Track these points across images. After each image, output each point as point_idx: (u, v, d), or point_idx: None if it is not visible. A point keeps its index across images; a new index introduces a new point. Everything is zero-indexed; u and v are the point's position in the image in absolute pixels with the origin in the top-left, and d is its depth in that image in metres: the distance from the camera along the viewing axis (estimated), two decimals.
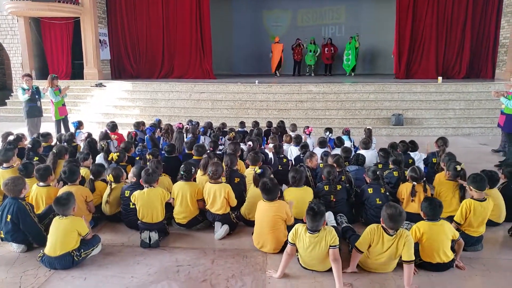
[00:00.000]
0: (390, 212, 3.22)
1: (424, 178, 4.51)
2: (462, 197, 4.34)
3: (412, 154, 6.02)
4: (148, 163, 4.85)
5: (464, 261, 3.64)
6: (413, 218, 4.05)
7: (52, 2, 12.42)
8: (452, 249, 3.52)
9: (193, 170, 4.39)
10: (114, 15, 14.55)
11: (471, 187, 3.92)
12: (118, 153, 5.29)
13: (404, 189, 4.50)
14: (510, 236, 4.28)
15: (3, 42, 14.12)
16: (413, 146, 6.12)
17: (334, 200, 4.47)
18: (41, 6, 12.40)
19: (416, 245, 3.48)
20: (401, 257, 3.29)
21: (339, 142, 6.48)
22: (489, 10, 13.40)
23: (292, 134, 6.95)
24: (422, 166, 5.72)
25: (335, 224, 4.19)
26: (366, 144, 6.17)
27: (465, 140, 9.40)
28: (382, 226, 3.34)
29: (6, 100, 13.08)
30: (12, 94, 13.54)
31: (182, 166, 4.40)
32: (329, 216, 4.29)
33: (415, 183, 4.39)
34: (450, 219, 3.97)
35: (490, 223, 4.32)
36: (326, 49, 16.50)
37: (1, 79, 16.74)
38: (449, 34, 13.83)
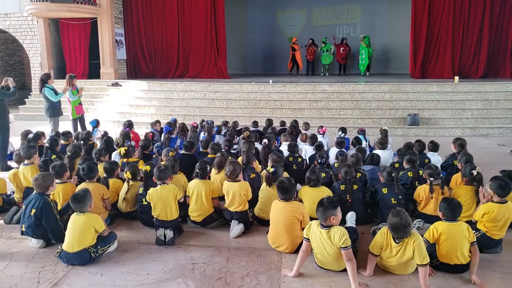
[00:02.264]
0: (394, 222, 3.15)
1: (442, 177, 4.44)
2: (478, 202, 4.21)
3: (430, 154, 5.93)
4: (164, 161, 4.92)
5: (483, 264, 3.56)
6: (431, 220, 4.00)
7: (71, 3, 12.63)
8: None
9: (208, 168, 4.41)
10: (130, 16, 14.74)
11: (495, 192, 3.80)
12: (126, 147, 5.35)
13: (422, 190, 4.44)
14: None
15: (23, 43, 14.42)
16: (433, 146, 6.00)
17: (350, 200, 4.44)
18: (60, 7, 12.62)
19: (433, 246, 3.44)
20: None
21: (356, 141, 6.43)
22: (508, 7, 13.12)
23: (307, 133, 6.93)
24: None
25: (353, 225, 4.15)
26: (383, 144, 6.11)
27: (483, 140, 9.23)
28: None
29: (25, 99, 13.33)
30: (31, 93, 13.79)
31: (197, 164, 4.42)
32: (351, 216, 4.27)
33: (432, 179, 4.32)
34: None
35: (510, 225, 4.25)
36: (341, 48, 16.38)
37: (20, 79, 17.10)
38: (466, 32, 13.56)
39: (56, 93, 7.91)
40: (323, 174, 5.04)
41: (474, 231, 3.56)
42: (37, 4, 12.57)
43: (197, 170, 4.36)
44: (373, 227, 4.25)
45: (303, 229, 3.71)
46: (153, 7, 14.73)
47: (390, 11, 17.45)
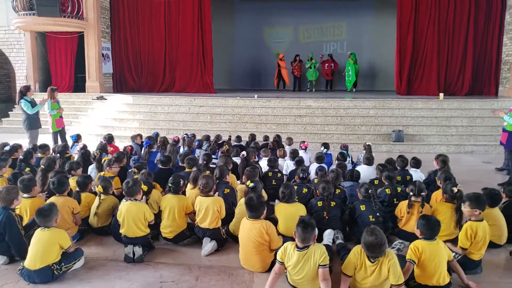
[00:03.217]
0: (369, 241, 3.03)
1: (423, 194, 4.36)
2: (458, 220, 4.13)
3: (412, 170, 5.87)
4: (139, 175, 4.79)
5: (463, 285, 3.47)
6: (411, 237, 3.90)
7: (58, 17, 12.56)
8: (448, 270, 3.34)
9: (181, 183, 4.29)
10: (117, 30, 14.71)
11: (472, 207, 3.73)
12: (107, 157, 5.23)
13: (404, 206, 4.35)
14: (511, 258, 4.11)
15: (9, 56, 14.30)
16: (416, 162, 5.94)
17: (327, 217, 4.34)
18: (47, 21, 12.54)
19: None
20: None
21: (342, 157, 6.36)
22: (491, 27, 13.32)
23: (288, 148, 6.86)
24: None
25: (330, 243, 4.04)
26: (369, 160, 6.06)
27: (468, 158, 9.23)
28: None
29: (9, 112, 13.15)
30: (15, 106, 13.61)
31: (170, 178, 4.30)
32: (329, 234, 4.17)
33: (412, 195, 4.25)
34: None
35: (491, 245, 4.11)
36: (326, 65, 16.56)
37: (6, 91, 16.90)
38: (450, 50, 13.70)
39: (33, 105, 7.78)
40: (305, 190, 4.97)
41: (453, 253, 3.48)
42: (24, 17, 12.50)
43: (170, 185, 4.24)
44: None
45: (274, 250, 3.58)
46: (140, 22, 14.75)
47: (376, 28, 17.69)
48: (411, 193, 4.29)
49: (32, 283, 3.46)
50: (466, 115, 10.81)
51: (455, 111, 11.00)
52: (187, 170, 5.30)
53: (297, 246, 3.18)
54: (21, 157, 5.81)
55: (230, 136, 8.16)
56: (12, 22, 12.88)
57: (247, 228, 3.64)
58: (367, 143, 7.10)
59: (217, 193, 4.47)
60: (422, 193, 4.30)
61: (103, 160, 5.38)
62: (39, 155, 6.36)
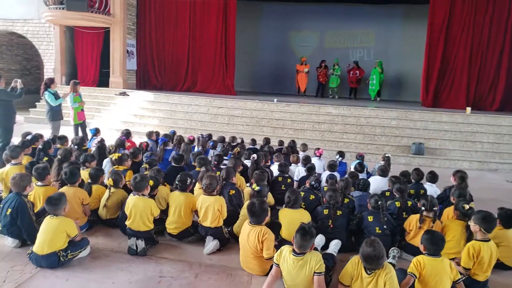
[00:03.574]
0: (367, 252, 2.97)
1: (436, 209, 4.26)
2: (468, 239, 3.99)
3: (427, 185, 5.72)
4: (148, 171, 4.87)
5: None
6: (417, 252, 3.79)
7: (86, 13, 12.92)
8: None
9: (188, 181, 4.32)
10: (143, 28, 14.97)
11: (479, 227, 3.64)
12: (119, 154, 5.33)
13: (414, 220, 4.26)
14: None
15: (39, 48, 14.75)
16: (432, 177, 5.77)
17: (332, 226, 4.29)
18: (75, 16, 12.89)
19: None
20: None
21: (360, 167, 6.28)
22: None
23: (302, 155, 6.82)
24: None
25: (335, 253, 4.01)
26: (384, 171, 5.94)
27: (491, 175, 8.93)
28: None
29: (36, 103, 13.56)
30: (41, 98, 14.01)
31: (178, 176, 4.35)
32: (336, 244, 4.14)
33: (423, 209, 4.15)
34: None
35: (502, 266, 4.04)
36: (351, 72, 16.33)
37: (36, 83, 17.47)
38: (484, 62, 13.00)
39: (56, 97, 8.01)
40: (312, 196, 4.94)
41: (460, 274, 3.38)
42: (54, 11, 12.90)
43: (177, 182, 4.29)
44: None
45: (267, 259, 3.57)
46: (166, 20, 14.95)
47: (404, 37, 17.29)
48: (422, 208, 4.19)
49: (39, 266, 3.59)
50: (494, 131, 10.40)
51: (482, 126, 10.59)
52: (197, 169, 5.34)
53: (293, 251, 3.17)
54: (40, 146, 5.98)
55: (242, 139, 8.16)
56: (43, 15, 13.30)
57: (247, 233, 3.65)
58: (387, 155, 6.95)
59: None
60: (434, 208, 4.20)
61: (112, 156, 5.46)
62: (58, 145, 6.55)
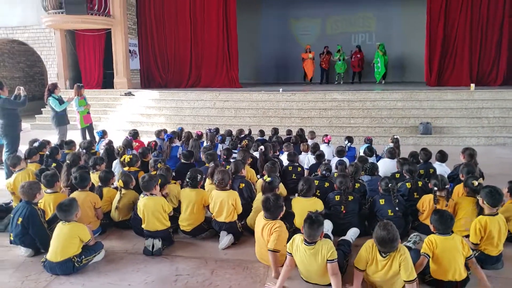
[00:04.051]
0: (381, 236, 2.96)
1: (448, 187, 4.24)
2: (479, 214, 3.92)
3: (437, 164, 5.67)
4: (158, 171, 4.87)
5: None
6: (430, 231, 3.79)
7: (86, 15, 12.90)
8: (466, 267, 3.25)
9: (199, 177, 4.31)
10: (144, 26, 14.94)
11: (485, 201, 3.63)
12: (130, 155, 5.33)
13: (427, 200, 4.26)
14: None
15: (41, 54, 14.78)
16: (441, 156, 5.70)
17: (344, 211, 4.28)
18: (75, 19, 12.90)
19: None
20: None
21: (369, 152, 6.24)
22: None
23: (310, 142, 6.79)
24: None
25: (351, 240, 3.99)
26: (392, 153, 5.93)
27: (500, 150, 8.87)
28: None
29: (42, 109, 13.63)
30: (46, 104, 14.09)
31: (188, 172, 4.35)
32: (354, 232, 4.14)
33: (436, 189, 4.14)
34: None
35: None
36: (353, 56, 16.24)
37: (40, 89, 17.56)
38: (484, 39, 13.07)
39: (61, 102, 8.03)
40: (327, 184, 4.92)
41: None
42: (54, 16, 12.91)
43: (187, 179, 4.29)
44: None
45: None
46: (166, 17, 14.90)
47: (405, 19, 17.18)
48: (435, 188, 4.17)
49: (54, 274, 3.59)
50: (499, 106, 10.38)
51: (487, 102, 10.57)
52: (206, 165, 5.34)
53: (305, 240, 3.17)
54: (47, 153, 6.01)
55: (250, 129, 8.12)
56: (43, 20, 13.30)
57: (261, 226, 3.63)
58: (395, 136, 6.89)
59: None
60: (446, 186, 4.21)
61: (123, 159, 5.46)
62: (66, 151, 6.56)
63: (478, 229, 3.58)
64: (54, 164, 5.73)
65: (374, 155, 6.65)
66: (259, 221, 3.71)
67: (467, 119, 10.06)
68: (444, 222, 3.23)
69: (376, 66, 15.45)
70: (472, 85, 11.47)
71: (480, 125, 9.85)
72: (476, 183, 4.04)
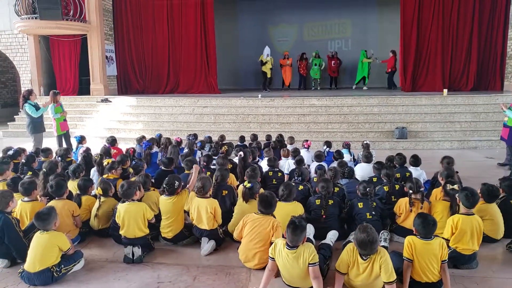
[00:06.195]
0: (361, 238, 3.03)
1: (422, 190, 4.37)
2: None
3: (412, 168, 5.85)
4: (136, 177, 4.83)
5: (456, 280, 3.51)
6: (408, 234, 3.88)
7: (60, 21, 12.68)
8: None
9: (176, 184, 4.28)
10: (121, 32, 14.78)
11: (461, 203, 3.78)
12: (110, 160, 5.28)
13: (403, 203, 4.37)
14: (507, 251, 4.11)
15: (13, 60, 14.45)
16: (415, 160, 5.90)
17: (325, 216, 4.35)
18: (50, 25, 12.66)
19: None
20: None
21: (338, 155, 6.37)
22: (496, 21, 13.16)
23: (290, 147, 6.87)
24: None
25: (331, 243, 4.05)
26: (368, 158, 6.09)
27: (471, 153, 9.17)
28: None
29: (15, 116, 13.30)
30: (20, 110, 13.75)
31: (165, 179, 4.33)
32: (333, 234, 4.19)
33: (411, 192, 4.26)
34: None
35: (488, 240, 4.18)
36: (332, 62, 16.53)
37: (12, 95, 17.13)
38: (455, 46, 13.57)
39: (37, 109, 7.87)
40: (300, 187, 4.98)
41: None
42: (27, 21, 12.63)
43: (164, 186, 4.26)
44: (343, 242, 4.12)
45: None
46: (143, 24, 14.82)
47: (380, 26, 17.60)
48: (410, 191, 4.29)
49: (32, 285, 3.51)
50: (470, 111, 10.76)
51: (459, 106, 10.93)
52: (186, 172, 5.33)
53: (287, 244, 3.21)
54: (23, 161, 5.87)
55: (223, 135, 8.08)
56: (15, 26, 13.00)
57: (258, 223, 3.69)
58: (365, 142, 7.18)
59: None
60: (421, 189, 4.33)
61: (105, 163, 5.41)
62: (42, 158, 6.43)
63: (450, 225, 3.74)
64: (29, 173, 5.60)
65: (352, 160, 6.80)
66: (252, 220, 3.75)
67: (441, 124, 10.36)
68: (426, 227, 3.30)
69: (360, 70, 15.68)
70: (445, 90, 11.88)
71: (453, 129, 10.14)
72: (451, 187, 4.17)
